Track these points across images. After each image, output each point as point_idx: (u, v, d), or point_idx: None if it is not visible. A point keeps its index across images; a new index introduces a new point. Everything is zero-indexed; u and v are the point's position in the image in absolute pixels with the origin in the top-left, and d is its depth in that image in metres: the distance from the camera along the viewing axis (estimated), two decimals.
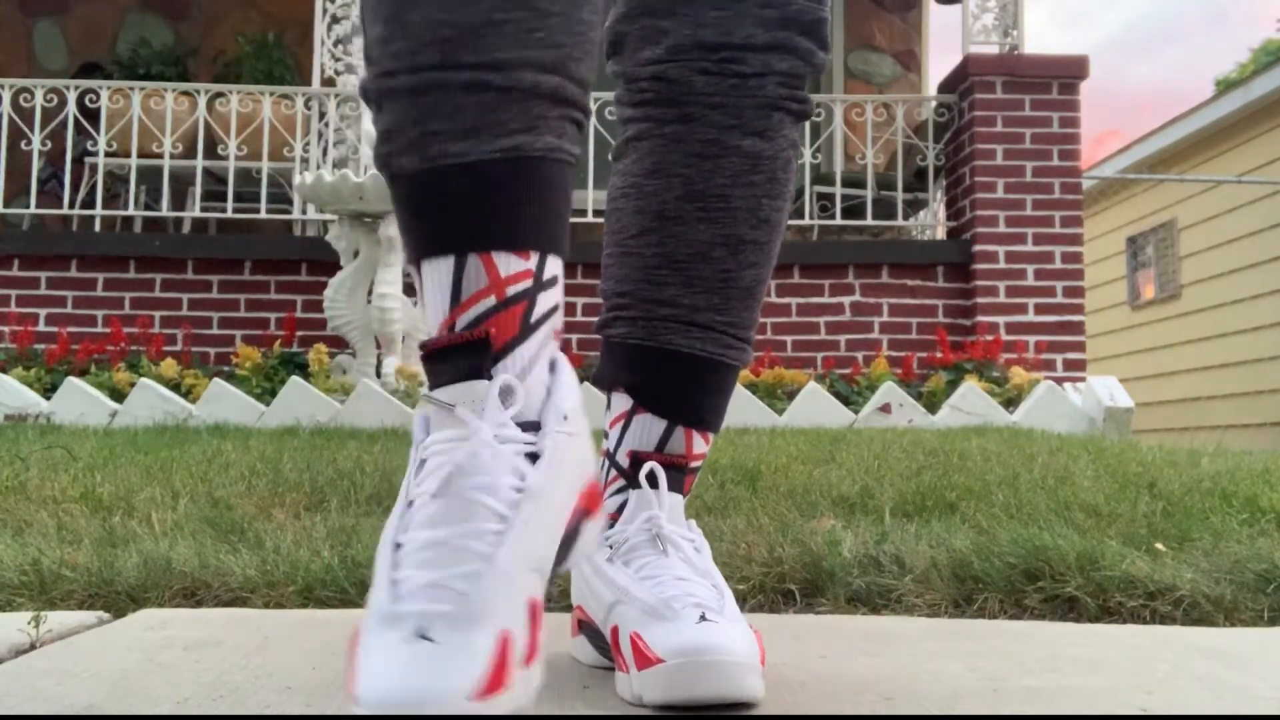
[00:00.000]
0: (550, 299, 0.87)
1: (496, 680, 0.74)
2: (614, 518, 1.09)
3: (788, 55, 1.06)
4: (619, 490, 1.10)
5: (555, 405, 0.86)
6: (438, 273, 0.85)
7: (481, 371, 0.83)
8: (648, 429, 1.09)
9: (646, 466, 1.07)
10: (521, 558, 0.80)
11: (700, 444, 1.11)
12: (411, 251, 0.88)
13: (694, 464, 1.12)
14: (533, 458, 0.83)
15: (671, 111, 1.07)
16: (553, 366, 0.88)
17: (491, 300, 0.84)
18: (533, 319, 0.85)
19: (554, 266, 0.87)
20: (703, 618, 0.94)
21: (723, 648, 0.91)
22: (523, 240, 0.85)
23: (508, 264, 0.84)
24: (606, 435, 1.13)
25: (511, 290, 0.84)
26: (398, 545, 0.81)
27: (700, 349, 1.09)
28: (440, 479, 0.81)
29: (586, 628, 1.10)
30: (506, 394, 0.83)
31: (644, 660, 0.93)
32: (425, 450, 0.84)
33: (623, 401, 1.11)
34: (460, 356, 0.84)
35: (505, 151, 0.84)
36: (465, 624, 0.76)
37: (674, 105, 1.07)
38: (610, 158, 1.16)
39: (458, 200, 0.84)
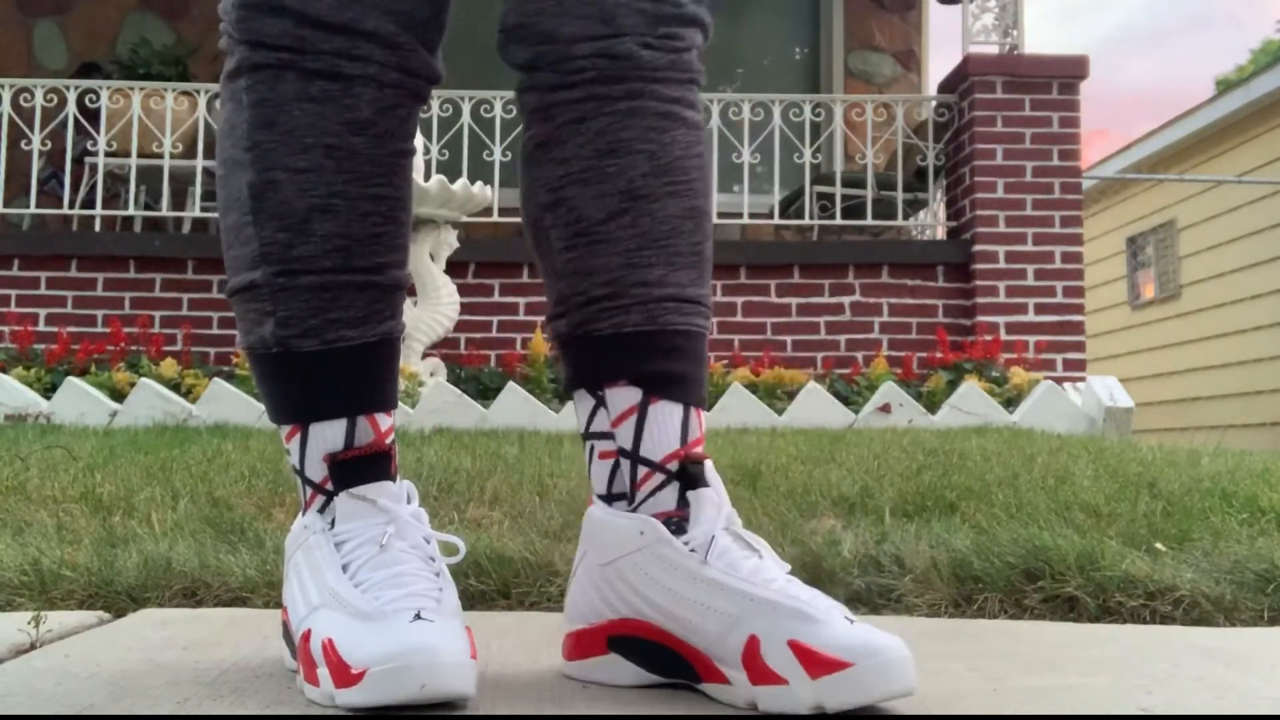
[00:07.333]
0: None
1: (474, 652, 0.95)
2: (668, 516, 1.03)
3: (700, 29, 1.11)
4: (659, 488, 1.04)
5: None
6: (328, 429, 1.05)
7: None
8: (667, 417, 1.06)
9: (707, 464, 1.04)
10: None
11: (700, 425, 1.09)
12: (296, 413, 1.06)
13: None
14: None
15: (619, 88, 1.06)
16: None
17: (377, 448, 1.06)
18: (394, 457, 1.08)
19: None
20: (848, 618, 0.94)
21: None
22: (392, 402, 1.09)
23: (384, 421, 1.08)
24: (611, 436, 1.06)
25: (388, 440, 1.07)
26: (344, 567, 1.01)
27: (695, 324, 1.08)
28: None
29: (643, 644, 1.03)
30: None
31: (819, 664, 0.89)
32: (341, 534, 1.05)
33: (628, 395, 1.06)
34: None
35: (382, 335, 1.08)
36: (448, 615, 0.97)
37: (621, 81, 1.06)
38: (525, 153, 1.11)
39: (350, 374, 1.06)
